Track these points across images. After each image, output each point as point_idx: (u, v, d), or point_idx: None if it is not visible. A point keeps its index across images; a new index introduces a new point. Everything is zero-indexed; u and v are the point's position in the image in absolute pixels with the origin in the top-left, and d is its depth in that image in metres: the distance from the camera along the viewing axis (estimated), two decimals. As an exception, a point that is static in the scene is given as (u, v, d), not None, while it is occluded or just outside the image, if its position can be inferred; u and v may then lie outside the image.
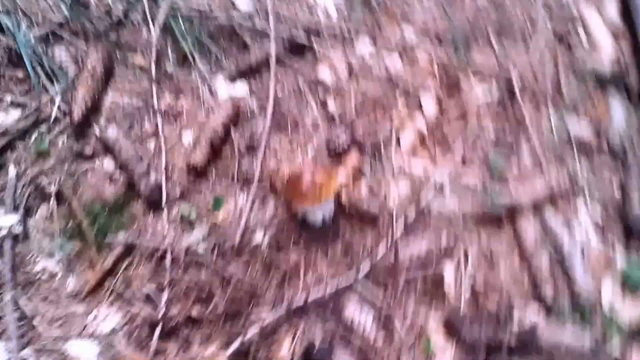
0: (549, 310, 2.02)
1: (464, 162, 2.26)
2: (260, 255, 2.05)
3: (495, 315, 1.98)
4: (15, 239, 2.06)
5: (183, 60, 2.46)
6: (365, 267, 2.04)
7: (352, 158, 2.23)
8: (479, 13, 2.63)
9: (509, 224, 2.16)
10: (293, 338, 1.93)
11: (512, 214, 2.16)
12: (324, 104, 2.37)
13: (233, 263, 2.04)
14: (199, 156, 2.17)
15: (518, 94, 2.38)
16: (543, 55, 2.53)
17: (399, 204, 2.15)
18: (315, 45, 2.48)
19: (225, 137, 2.27)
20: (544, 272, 2.06)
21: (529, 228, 2.13)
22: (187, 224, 2.11)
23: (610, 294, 2.05)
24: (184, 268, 2.02)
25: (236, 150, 2.25)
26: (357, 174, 2.22)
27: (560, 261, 2.09)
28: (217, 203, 2.13)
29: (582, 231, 2.15)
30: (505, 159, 2.27)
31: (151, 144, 2.25)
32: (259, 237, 2.07)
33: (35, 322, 1.93)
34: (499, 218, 2.15)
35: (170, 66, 2.44)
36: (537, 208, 2.17)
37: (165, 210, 2.12)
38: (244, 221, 2.09)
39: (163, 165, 2.18)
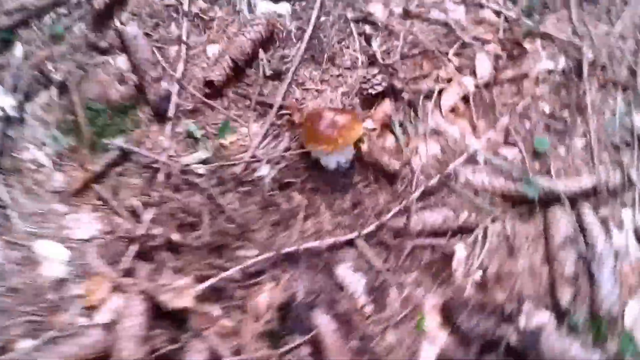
0: (561, 315, 1.79)
1: (506, 133, 2.02)
2: (262, 190, 1.88)
3: (501, 308, 1.77)
4: (8, 120, 1.93)
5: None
6: (371, 224, 1.85)
7: (385, 104, 2.01)
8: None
9: (542, 211, 1.93)
10: (276, 285, 1.75)
11: (548, 201, 1.93)
12: (368, 40, 2.14)
13: (231, 192, 1.88)
14: (219, 72, 1.98)
15: (586, 69, 2.12)
16: (626, 32, 2.23)
17: (423, 165, 1.95)
18: (373, -24, 2.30)
19: (253, 57, 2.07)
20: (567, 271, 1.81)
21: (562, 220, 1.89)
22: (191, 142, 1.95)
23: (636, 312, 1.81)
24: (177, 187, 1.87)
25: (261, 73, 2.05)
26: (386, 123, 2.00)
27: (588, 264, 1.85)
28: (223, 129, 1.96)
29: (622, 236, 1.91)
30: (553, 138, 2.03)
31: (172, 50, 2.07)
32: (265, 170, 1.90)
33: (8, 212, 1.81)
34: (532, 202, 1.92)
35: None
36: (576, 200, 1.93)
37: (171, 123, 1.95)
38: (252, 150, 1.92)
39: (178, 74, 2.00)
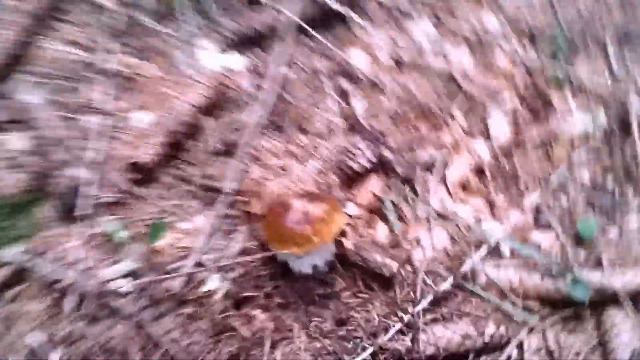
0: None
1: (537, 213, 1.55)
2: (211, 311, 1.38)
3: None
4: None
5: (166, 9, 1.78)
6: (365, 350, 1.35)
7: (372, 182, 1.55)
8: (597, 8, 1.88)
9: (594, 316, 1.43)
10: None
11: (601, 301, 1.43)
12: (347, 100, 1.68)
13: (168, 317, 1.37)
14: (149, 151, 1.51)
15: (635, 123, 1.64)
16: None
17: (429, 261, 1.47)
18: (353, 16, 1.80)
19: (196, 126, 1.61)
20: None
21: (623, 327, 1.38)
22: (112, 247, 1.45)
23: None
24: (93, 316, 1.36)
25: (207, 146, 1.59)
26: (375, 207, 1.53)
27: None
28: (156, 231, 1.45)
29: None
30: (600, 218, 1.55)
31: (87, 121, 1.58)
32: (215, 282, 1.40)
33: None
34: (580, 305, 1.42)
35: (145, 13, 1.77)
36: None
37: (84, 222, 1.46)
38: (196, 254, 1.43)
39: (94, 155, 1.52)
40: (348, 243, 1.45)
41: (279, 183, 1.55)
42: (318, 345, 1.39)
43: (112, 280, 1.39)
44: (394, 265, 1.44)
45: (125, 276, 1.41)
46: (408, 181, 1.57)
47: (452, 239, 1.52)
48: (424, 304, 1.41)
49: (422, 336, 1.38)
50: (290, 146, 1.62)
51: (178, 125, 1.56)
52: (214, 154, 1.58)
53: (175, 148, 1.59)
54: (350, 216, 1.51)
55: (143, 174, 1.53)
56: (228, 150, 1.58)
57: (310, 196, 1.43)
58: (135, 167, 1.52)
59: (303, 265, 1.42)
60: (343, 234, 1.46)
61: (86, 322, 1.37)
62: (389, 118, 1.65)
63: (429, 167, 1.60)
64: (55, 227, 1.48)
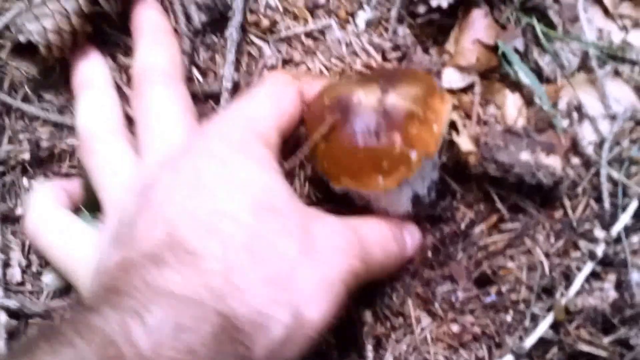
0: None
1: None
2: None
3: None
4: None
5: None
6: (539, 319, 0.78)
7: (475, 25, 0.85)
8: None
9: None
10: None
11: None
12: None
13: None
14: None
15: None
16: None
17: (614, 139, 0.84)
18: None
19: None
20: None
21: None
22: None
23: None
24: None
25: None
26: (492, 67, 0.87)
27: None
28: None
29: None
30: None
31: None
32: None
33: None
34: None
35: None
36: None
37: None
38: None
39: None
40: (463, 141, 0.80)
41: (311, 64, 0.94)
42: (454, 328, 0.79)
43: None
44: (554, 163, 0.80)
45: None
46: (532, 7, 0.88)
47: (637, 90, 0.90)
48: (624, 217, 0.80)
49: (634, 274, 0.80)
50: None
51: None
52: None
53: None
54: (453, 92, 0.88)
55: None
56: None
57: (378, 75, 0.78)
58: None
59: (395, 203, 0.78)
60: (452, 126, 0.83)
61: None
62: None
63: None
64: None
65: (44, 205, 0.80)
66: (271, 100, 0.75)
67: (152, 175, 0.69)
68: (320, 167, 0.76)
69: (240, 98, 0.77)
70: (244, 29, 0.90)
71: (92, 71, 0.86)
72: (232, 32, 0.88)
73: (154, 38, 0.85)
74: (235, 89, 0.87)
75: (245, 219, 0.63)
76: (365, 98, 0.70)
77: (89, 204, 0.83)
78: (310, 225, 0.68)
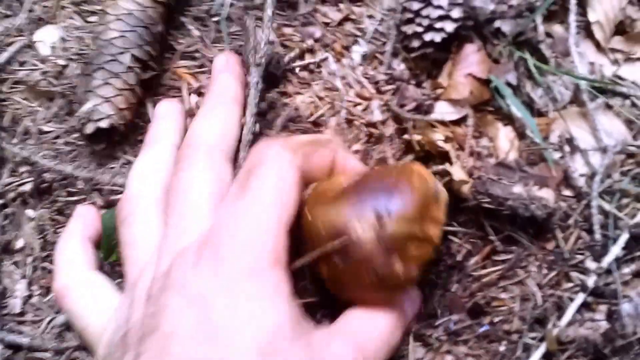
0: None
1: None
2: None
3: None
4: None
5: None
6: (532, 349, 0.78)
7: (468, 59, 0.87)
8: None
9: None
10: None
11: None
12: None
13: None
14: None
15: None
16: None
17: (605, 173, 0.83)
18: None
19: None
20: None
21: None
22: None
23: None
24: None
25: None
26: (485, 100, 0.88)
27: None
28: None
29: None
30: None
31: None
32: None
33: None
34: None
35: None
36: None
37: None
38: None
39: None
40: (456, 171, 0.82)
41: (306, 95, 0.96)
42: (448, 359, 0.79)
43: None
44: (546, 195, 0.82)
45: None
46: (524, 41, 0.91)
47: (628, 123, 0.92)
48: (615, 249, 0.81)
49: (624, 305, 0.81)
50: (308, 28, 0.99)
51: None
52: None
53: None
54: (445, 125, 0.88)
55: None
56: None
57: (368, 190, 0.69)
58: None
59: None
60: (445, 157, 0.84)
61: None
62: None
63: (553, 13, 0.95)
64: None
65: (72, 265, 0.76)
66: (277, 196, 0.67)
67: (165, 282, 0.64)
68: (323, 281, 0.74)
69: (243, 189, 0.68)
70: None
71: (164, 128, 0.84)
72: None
73: (214, 104, 0.82)
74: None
75: None
76: (363, 232, 0.66)
77: (106, 250, 0.81)
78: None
